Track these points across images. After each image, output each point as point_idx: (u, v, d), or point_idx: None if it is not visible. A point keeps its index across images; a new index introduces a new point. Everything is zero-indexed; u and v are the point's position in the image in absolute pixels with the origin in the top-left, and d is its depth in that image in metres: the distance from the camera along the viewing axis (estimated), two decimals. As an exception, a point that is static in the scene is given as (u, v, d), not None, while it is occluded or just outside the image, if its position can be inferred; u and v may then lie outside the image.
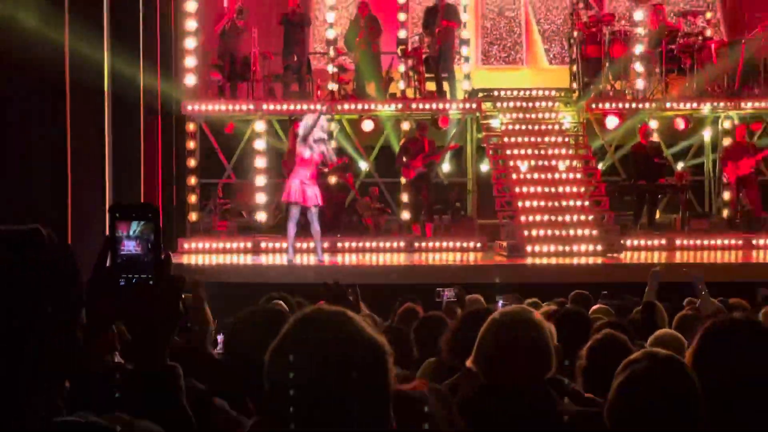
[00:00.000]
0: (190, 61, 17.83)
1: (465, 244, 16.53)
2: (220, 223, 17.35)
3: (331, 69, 18.24)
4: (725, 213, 17.93)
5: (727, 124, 18.11)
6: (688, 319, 6.36)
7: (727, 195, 17.95)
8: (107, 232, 2.32)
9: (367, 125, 17.68)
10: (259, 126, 17.62)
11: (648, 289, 7.85)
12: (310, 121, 14.27)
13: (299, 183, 14.25)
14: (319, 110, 14.64)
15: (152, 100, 16.33)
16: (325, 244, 15.38)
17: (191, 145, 17.74)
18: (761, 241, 16.56)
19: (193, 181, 17.69)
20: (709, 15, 19.36)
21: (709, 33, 18.79)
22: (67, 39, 11.79)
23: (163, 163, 16.81)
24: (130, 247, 2.31)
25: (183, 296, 2.36)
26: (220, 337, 5.79)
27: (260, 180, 17.68)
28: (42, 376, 2.11)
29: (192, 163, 17.73)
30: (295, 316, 2.26)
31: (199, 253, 16.21)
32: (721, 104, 17.83)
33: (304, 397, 2.15)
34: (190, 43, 17.80)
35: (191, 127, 17.70)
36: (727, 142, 18.00)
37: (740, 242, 16.53)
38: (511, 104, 18.08)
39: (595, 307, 8.50)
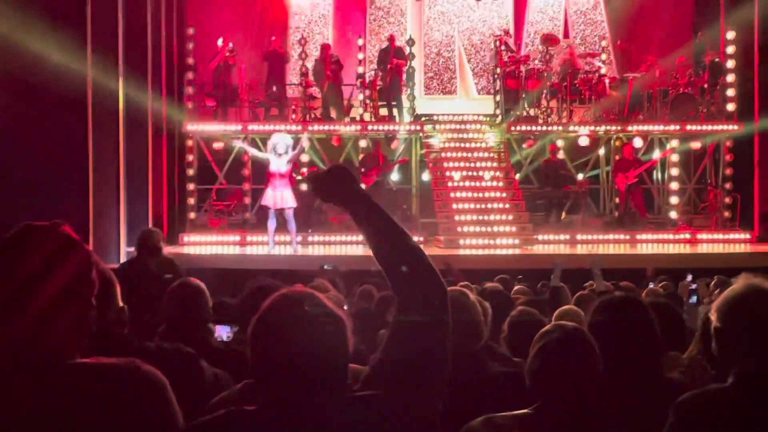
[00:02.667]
0: (189, 90, 17.75)
1: (410, 238, 16.50)
2: (214, 221, 17.25)
3: (302, 97, 18.19)
4: (616, 214, 18.06)
5: (617, 143, 18.22)
6: (585, 297, 6.42)
7: (617, 199, 18.08)
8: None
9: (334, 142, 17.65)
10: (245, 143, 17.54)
11: (553, 275, 7.89)
12: (276, 140, 14.36)
13: (275, 190, 14.31)
14: (282, 131, 14.88)
15: (159, 121, 16.25)
16: (299, 238, 15.35)
17: (190, 157, 17.63)
18: (644, 236, 16.73)
19: (191, 186, 17.57)
20: (604, 56, 19.48)
21: (604, 71, 18.91)
22: (90, 71, 11.70)
23: (168, 172, 16.71)
24: None
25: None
26: (225, 330, 5.46)
27: (246, 186, 17.60)
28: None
29: (191, 172, 17.61)
30: (274, 295, 2.23)
31: (197, 245, 16.12)
32: (613, 127, 17.94)
33: (283, 362, 2.13)
34: (189, 75, 17.73)
35: (190, 143, 17.59)
36: (617, 157, 18.13)
37: (627, 237, 16.67)
38: (447, 126, 18.10)
39: (516, 288, 8.54)
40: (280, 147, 14.23)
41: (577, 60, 18.70)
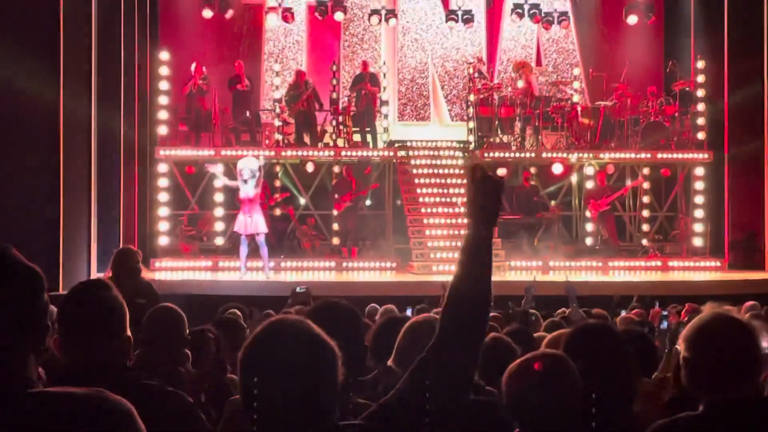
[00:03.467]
0: (162, 115, 17.71)
1: (383, 264, 16.55)
2: (185, 247, 17.17)
3: (276, 123, 18.21)
4: (588, 241, 18.16)
5: (589, 170, 18.36)
6: (555, 324, 6.45)
7: (590, 227, 18.19)
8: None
9: (309, 167, 17.62)
10: (219, 168, 17.52)
11: (524, 300, 7.92)
12: (241, 166, 14.40)
13: (246, 217, 14.31)
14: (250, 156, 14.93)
15: (131, 145, 16.21)
16: (271, 263, 15.31)
17: (162, 182, 17.55)
18: (616, 264, 16.83)
19: (163, 211, 17.48)
20: (576, 84, 19.66)
21: (576, 98, 19.07)
22: (62, 95, 11.66)
23: (139, 197, 16.66)
24: None
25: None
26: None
27: (218, 211, 17.56)
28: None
29: (162, 197, 17.53)
30: (265, 323, 2.21)
31: (168, 271, 16.01)
32: (585, 155, 18.07)
33: (272, 391, 2.11)
34: (162, 100, 17.70)
35: (162, 168, 17.52)
36: (590, 184, 18.26)
37: (600, 264, 16.76)
38: (421, 152, 18.17)
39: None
40: (245, 173, 14.27)
41: (535, 87, 18.83)
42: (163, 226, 17.37)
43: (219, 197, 17.57)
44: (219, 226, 17.58)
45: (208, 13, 18.82)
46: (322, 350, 2.15)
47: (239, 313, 7.11)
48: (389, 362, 3.80)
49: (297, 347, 2.13)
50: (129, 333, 3.01)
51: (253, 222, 14.33)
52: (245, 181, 14.27)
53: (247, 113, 18.11)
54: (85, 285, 3.11)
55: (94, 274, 13.36)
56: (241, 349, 2.17)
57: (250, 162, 14.55)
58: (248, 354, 2.15)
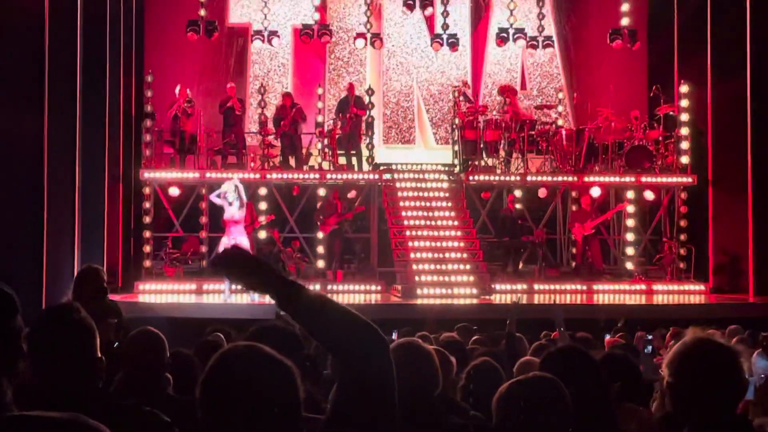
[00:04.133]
0: (147, 137, 17.71)
1: (368, 287, 16.52)
2: (170, 269, 17.12)
3: (261, 146, 18.21)
4: (573, 264, 18.18)
5: (574, 194, 18.41)
6: (542, 347, 6.47)
7: (574, 250, 18.22)
8: None
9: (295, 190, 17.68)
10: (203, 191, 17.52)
11: (508, 323, 7.91)
12: (224, 188, 14.39)
13: (230, 239, 14.30)
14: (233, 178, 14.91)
15: (115, 168, 16.18)
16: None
17: (146, 205, 17.52)
18: (601, 287, 16.87)
19: (147, 234, 17.43)
20: (560, 108, 19.76)
21: (560, 122, 19.17)
22: (47, 116, 11.64)
23: (123, 220, 16.62)
24: None
25: None
26: None
27: (203, 234, 17.52)
28: None
29: (147, 219, 17.49)
30: (220, 351, 2.21)
31: (152, 294, 15.95)
32: (570, 178, 18.14)
33: (233, 417, 2.10)
34: (147, 122, 17.70)
35: (147, 190, 17.49)
36: (574, 208, 18.30)
37: (584, 287, 16.78)
38: (406, 175, 18.21)
39: (474, 337, 8.54)
40: (230, 195, 14.31)
41: (522, 111, 18.93)
42: (148, 248, 17.33)
43: (204, 219, 17.55)
44: (203, 248, 17.56)
45: (193, 36, 18.84)
46: (279, 370, 2.15)
47: (222, 336, 7.09)
48: None
49: (255, 371, 2.12)
50: (100, 355, 3.00)
51: (238, 244, 14.32)
52: (230, 203, 14.28)
53: (233, 136, 18.12)
54: (54, 309, 3.10)
55: (77, 297, 13.28)
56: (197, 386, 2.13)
57: (234, 184, 14.57)
58: (206, 383, 2.12)
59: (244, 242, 14.44)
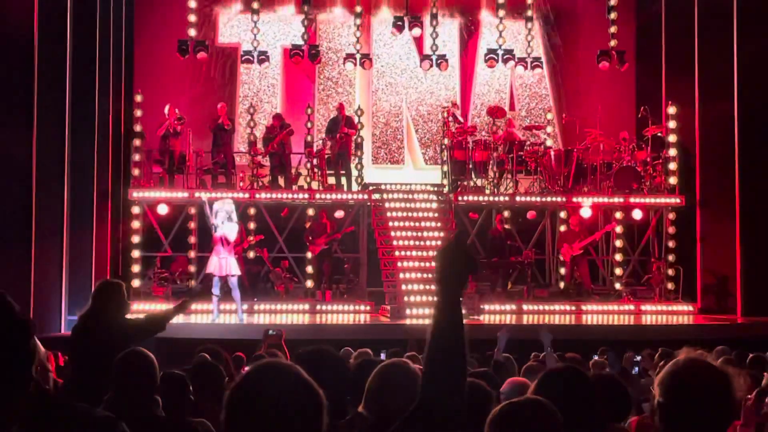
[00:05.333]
0: (136, 157, 17.68)
1: (357, 307, 16.50)
2: (158, 289, 17.05)
3: (250, 165, 18.20)
4: (562, 284, 18.19)
5: (563, 214, 18.47)
6: (532, 368, 6.47)
7: (563, 270, 18.24)
8: None
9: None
10: (192, 210, 17.49)
11: (497, 347, 7.90)
12: (218, 206, 14.33)
13: (219, 258, 14.25)
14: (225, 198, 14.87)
15: (104, 187, 16.15)
16: (245, 306, 15.23)
17: (135, 224, 17.46)
18: (589, 307, 16.88)
19: (136, 254, 17.37)
20: (549, 129, 19.83)
21: (549, 143, 19.24)
22: (35, 136, 11.63)
23: (112, 239, 16.57)
24: None
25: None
26: None
27: (192, 253, 17.48)
28: None
29: (135, 239, 17.43)
30: (255, 364, 2.22)
31: (141, 314, 15.81)
32: (558, 199, 18.18)
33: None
34: (136, 141, 17.68)
35: (136, 210, 17.44)
36: (563, 228, 18.34)
37: (573, 308, 16.79)
38: (395, 195, 18.21)
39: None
40: (221, 215, 14.22)
41: (516, 133, 19.00)
42: (136, 268, 17.27)
43: (192, 239, 17.51)
44: (192, 268, 17.51)
45: (182, 56, 18.85)
46: (310, 396, 2.16)
47: (208, 356, 7.05)
48: (360, 408, 3.77)
49: (286, 391, 2.13)
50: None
51: (228, 264, 14.27)
52: (222, 223, 14.21)
53: (223, 155, 18.12)
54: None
55: (65, 318, 13.23)
56: (228, 388, 2.17)
57: (225, 204, 14.51)
58: (236, 394, 2.15)
59: (233, 262, 14.39)
